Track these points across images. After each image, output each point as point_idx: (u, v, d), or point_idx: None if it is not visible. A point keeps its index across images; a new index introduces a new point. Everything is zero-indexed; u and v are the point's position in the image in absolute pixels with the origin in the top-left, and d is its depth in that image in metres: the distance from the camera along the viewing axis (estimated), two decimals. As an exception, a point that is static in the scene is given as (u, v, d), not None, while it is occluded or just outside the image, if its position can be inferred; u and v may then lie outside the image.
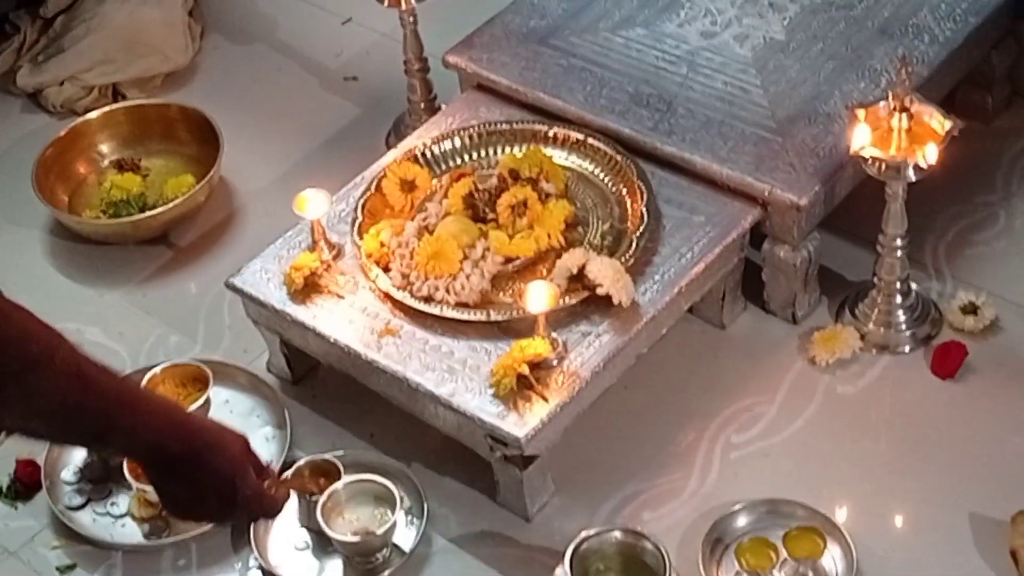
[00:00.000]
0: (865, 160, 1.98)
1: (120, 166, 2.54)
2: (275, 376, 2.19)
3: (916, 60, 2.17)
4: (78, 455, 2.08)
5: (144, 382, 2.06)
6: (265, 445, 2.08)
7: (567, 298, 1.96)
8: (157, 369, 2.09)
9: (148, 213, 2.40)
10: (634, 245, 2.02)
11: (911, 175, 1.97)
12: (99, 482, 2.05)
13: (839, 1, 2.34)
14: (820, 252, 2.15)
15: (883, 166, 1.97)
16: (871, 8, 2.32)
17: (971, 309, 2.14)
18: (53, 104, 2.70)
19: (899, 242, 2.07)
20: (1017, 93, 2.46)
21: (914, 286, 2.15)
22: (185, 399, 2.06)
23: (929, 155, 1.94)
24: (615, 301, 1.96)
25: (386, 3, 2.37)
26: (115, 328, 2.31)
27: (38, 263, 2.43)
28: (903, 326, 2.13)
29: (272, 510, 1.60)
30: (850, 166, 2.09)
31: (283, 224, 2.15)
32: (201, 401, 2.04)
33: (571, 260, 1.98)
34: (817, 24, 2.31)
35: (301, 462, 1.98)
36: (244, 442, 1.54)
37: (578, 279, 1.98)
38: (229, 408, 2.13)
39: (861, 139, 1.97)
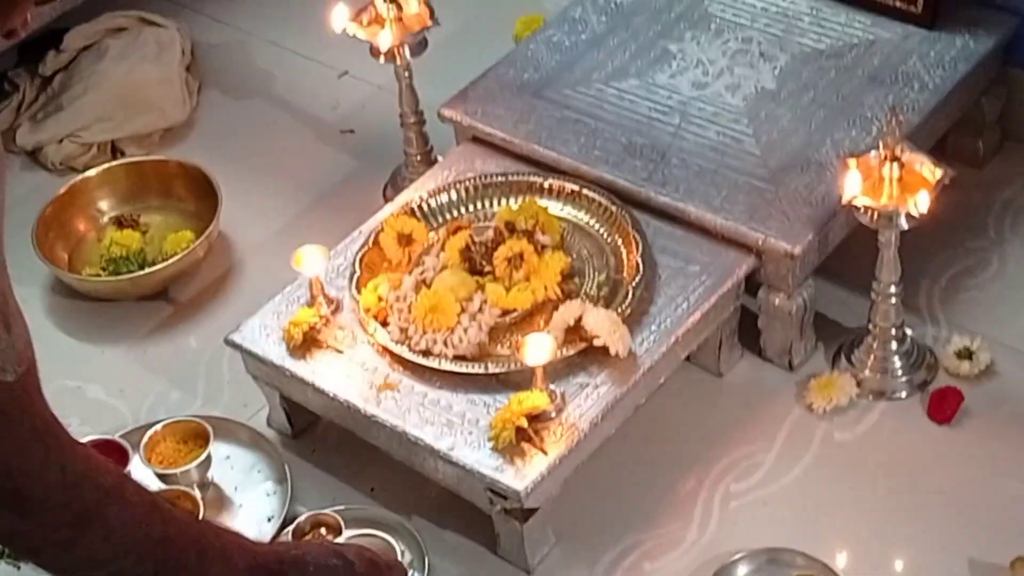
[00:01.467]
0: (857, 209, 2.00)
1: (119, 223, 2.56)
2: (275, 431, 2.20)
3: (907, 108, 2.19)
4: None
5: (145, 439, 2.07)
6: (266, 500, 2.08)
7: (564, 350, 1.98)
8: (158, 426, 2.10)
9: (148, 270, 2.42)
10: (630, 295, 2.04)
11: (903, 223, 1.99)
12: (101, 540, 2.06)
13: (829, 50, 2.37)
14: (815, 299, 2.16)
15: (875, 215, 1.99)
16: (861, 57, 2.35)
17: (966, 354, 2.15)
18: (52, 162, 2.72)
19: (893, 289, 2.08)
20: (1007, 138, 2.48)
21: (909, 332, 2.16)
22: (186, 456, 2.07)
23: (921, 203, 1.96)
24: (612, 352, 1.97)
25: (382, 58, 2.39)
26: (116, 385, 2.32)
27: (39, 321, 2.44)
28: (899, 372, 2.15)
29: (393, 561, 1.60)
30: (843, 214, 2.11)
31: (282, 278, 2.17)
32: (202, 458, 2.05)
33: (568, 312, 2.00)
34: (808, 73, 2.33)
35: (302, 517, 1.99)
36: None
37: (575, 330, 1.99)
38: (230, 464, 2.14)
39: (853, 188, 1.99)
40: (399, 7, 2.39)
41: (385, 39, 2.37)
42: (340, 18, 2.39)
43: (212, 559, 1.41)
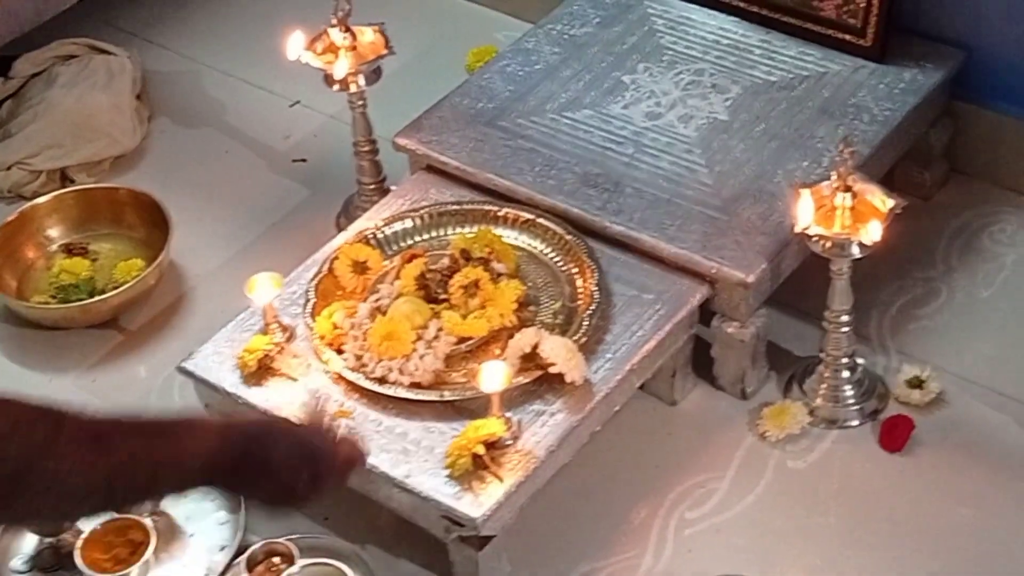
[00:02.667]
0: (810, 238, 2.02)
1: (69, 250, 2.53)
2: (227, 459, 2.18)
3: (857, 139, 2.22)
4: (28, 543, 2.06)
5: (95, 468, 2.04)
6: (218, 529, 2.06)
7: (520, 377, 1.98)
8: (109, 454, 2.07)
9: (97, 297, 2.40)
10: (585, 324, 2.04)
11: (855, 252, 2.01)
12: (49, 570, 2.03)
13: (780, 82, 2.39)
14: (768, 328, 2.18)
15: (828, 244, 2.01)
16: (811, 89, 2.37)
17: (917, 383, 2.17)
18: (1, 189, 2.69)
19: (845, 318, 2.10)
20: (954, 170, 2.51)
21: (860, 361, 2.18)
22: (137, 484, 2.04)
23: (872, 232, 1.98)
24: (568, 380, 1.97)
25: (335, 87, 2.39)
26: (65, 413, 2.29)
27: (-14, 349, 2.42)
28: (850, 401, 2.16)
29: (356, 448, 1.55)
30: (795, 243, 2.13)
31: (234, 307, 2.16)
32: (154, 486, 2.02)
33: (524, 339, 2.00)
34: (759, 105, 2.36)
35: (256, 546, 1.97)
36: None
37: (531, 358, 1.99)
38: (182, 493, 2.11)
39: (805, 217, 2.01)
40: (353, 36, 2.40)
41: (340, 67, 2.37)
42: (295, 46, 2.39)
43: (165, 475, 1.38)
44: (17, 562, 2.04)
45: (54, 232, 2.57)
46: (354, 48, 2.40)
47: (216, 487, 1.46)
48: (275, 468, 1.45)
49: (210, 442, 1.42)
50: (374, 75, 2.41)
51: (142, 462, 1.36)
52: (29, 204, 2.57)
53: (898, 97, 2.34)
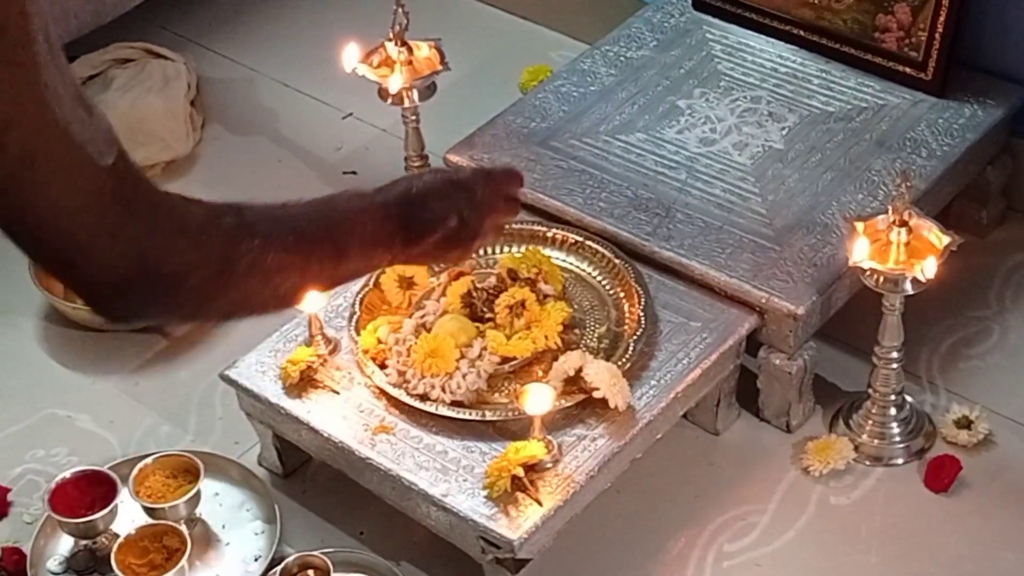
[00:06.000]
0: (863, 272, 2.00)
1: (117, 253, 2.53)
2: (266, 469, 2.18)
3: (914, 174, 2.19)
4: (64, 545, 2.06)
5: (134, 472, 2.04)
6: (254, 540, 2.06)
7: (563, 400, 1.96)
8: (148, 459, 2.07)
9: (143, 301, 2.40)
10: (631, 349, 2.03)
11: (909, 288, 1.98)
12: (85, 572, 2.03)
13: (838, 113, 2.37)
14: (816, 361, 2.15)
15: (881, 278, 1.99)
16: (869, 121, 2.35)
17: (965, 423, 2.14)
18: (52, 189, 2.70)
19: (895, 354, 2.07)
20: (1012, 208, 2.48)
21: (908, 398, 2.15)
22: (175, 490, 2.04)
23: (928, 269, 1.95)
24: (611, 405, 1.95)
25: (388, 100, 2.39)
26: (106, 416, 2.29)
27: (31, 349, 2.42)
28: (897, 438, 2.13)
29: (510, 167, 1.57)
30: (847, 277, 2.10)
31: (279, 317, 2.15)
32: (192, 493, 2.02)
33: (568, 362, 1.98)
34: (816, 135, 2.34)
35: (290, 559, 1.96)
36: None
37: (574, 381, 1.98)
38: (219, 501, 2.11)
39: (860, 252, 1.98)
40: (410, 50, 2.40)
41: (395, 82, 2.36)
42: (351, 58, 2.39)
43: (346, 243, 1.40)
44: (53, 563, 2.04)
45: (103, 234, 2.57)
46: (410, 63, 2.39)
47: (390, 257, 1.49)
48: (436, 209, 1.47)
49: (377, 225, 1.44)
50: (428, 90, 2.40)
51: (323, 232, 1.37)
52: (80, 205, 2.58)
53: (957, 133, 2.31)
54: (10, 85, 1.10)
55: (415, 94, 2.38)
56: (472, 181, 1.56)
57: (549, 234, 2.22)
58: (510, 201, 1.62)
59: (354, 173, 2.73)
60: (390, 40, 2.39)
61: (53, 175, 1.15)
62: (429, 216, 1.49)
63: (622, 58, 2.52)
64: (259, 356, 2.10)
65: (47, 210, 1.17)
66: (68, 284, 1.26)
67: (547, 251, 2.18)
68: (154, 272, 1.22)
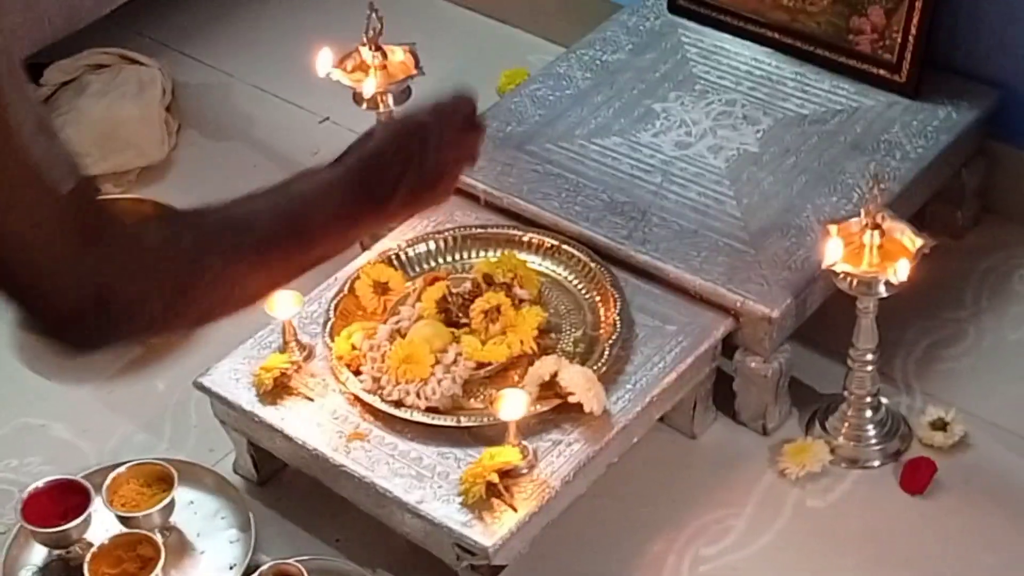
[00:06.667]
0: (837, 275, 2.00)
1: (92, 260, 2.52)
2: (241, 477, 2.17)
3: (888, 176, 2.18)
4: (38, 555, 2.05)
5: (108, 480, 2.03)
6: (229, 548, 2.05)
7: (538, 405, 1.95)
8: (122, 467, 2.06)
9: (118, 308, 2.39)
10: (606, 353, 2.02)
11: (882, 291, 1.99)
12: (58, 583, 2.03)
13: (812, 115, 2.37)
14: (791, 364, 2.15)
15: (855, 281, 1.99)
16: (843, 123, 2.35)
17: (941, 425, 2.14)
18: (26, 196, 2.69)
19: (870, 356, 2.07)
20: (986, 210, 2.48)
21: (884, 400, 2.15)
22: (150, 499, 2.03)
23: (900, 272, 1.95)
24: (587, 409, 1.95)
25: (364, 105, 2.38)
26: (80, 425, 2.28)
27: (4, 357, 2.38)
28: (873, 441, 2.13)
29: (452, 100, 1.48)
30: (822, 279, 2.10)
31: (253, 323, 2.14)
32: (166, 502, 2.01)
33: (543, 367, 1.98)
34: (790, 138, 2.33)
35: (265, 567, 1.96)
36: None
37: (550, 386, 1.97)
38: (194, 509, 2.10)
39: (833, 254, 1.98)
40: (384, 55, 2.39)
41: (369, 86, 2.36)
42: (324, 63, 2.38)
43: (310, 232, 1.35)
44: (27, 573, 2.03)
45: (78, 241, 2.56)
46: (384, 67, 2.38)
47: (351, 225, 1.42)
48: (394, 164, 1.40)
49: (338, 203, 1.38)
50: (403, 95, 2.39)
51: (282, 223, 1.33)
52: (54, 212, 2.57)
53: (931, 135, 2.32)
54: None
55: (390, 99, 2.37)
56: (423, 122, 1.46)
57: (525, 238, 2.21)
58: (469, 127, 1.52)
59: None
60: (364, 45, 2.39)
61: (10, 200, 1.13)
62: (390, 174, 1.41)
63: (598, 61, 2.52)
64: (233, 363, 2.09)
65: (3, 236, 1.14)
66: (26, 311, 1.21)
67: (523, 255, 2.18)
68: (112, 301, 1.19)
